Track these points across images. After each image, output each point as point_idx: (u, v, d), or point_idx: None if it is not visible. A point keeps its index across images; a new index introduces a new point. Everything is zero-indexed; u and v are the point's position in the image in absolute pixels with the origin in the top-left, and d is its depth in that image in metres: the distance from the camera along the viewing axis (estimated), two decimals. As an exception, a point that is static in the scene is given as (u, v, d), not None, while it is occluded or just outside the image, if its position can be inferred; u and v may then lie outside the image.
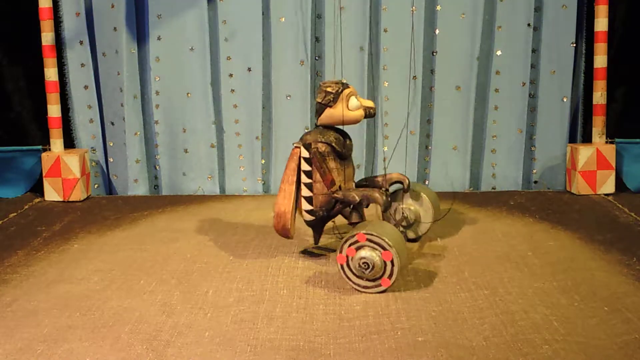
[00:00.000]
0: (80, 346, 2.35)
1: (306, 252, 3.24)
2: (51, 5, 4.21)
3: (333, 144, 2.97)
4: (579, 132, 4.49)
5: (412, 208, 3.32)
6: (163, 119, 4.54)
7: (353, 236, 2.72)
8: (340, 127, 3.10)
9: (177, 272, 3.04)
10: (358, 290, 2.76)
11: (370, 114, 3.03)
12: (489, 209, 3.99)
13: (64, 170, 4.31)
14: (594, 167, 4.20)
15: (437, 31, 4.38)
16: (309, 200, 3.01)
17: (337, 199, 2.99)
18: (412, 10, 4.32)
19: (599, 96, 4.22)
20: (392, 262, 2.68)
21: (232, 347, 2.32)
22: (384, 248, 2.68)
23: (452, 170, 4.53)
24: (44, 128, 4.39)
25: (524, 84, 4.41)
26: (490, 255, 3.17)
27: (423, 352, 2.25)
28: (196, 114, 4.51)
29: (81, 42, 4.48)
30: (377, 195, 2.94)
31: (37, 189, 4.46)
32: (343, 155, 3.02)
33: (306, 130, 3.08)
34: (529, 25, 4.33)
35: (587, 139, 4.39)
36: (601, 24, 4.13)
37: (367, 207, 3.07)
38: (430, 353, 2.24)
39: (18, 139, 4.50)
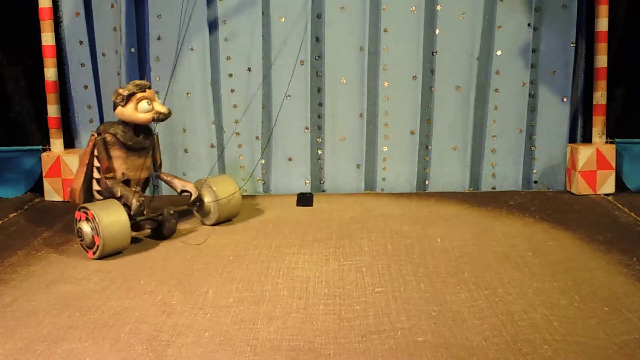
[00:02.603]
0: (80, 346, 2.35)
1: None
2: (51, 5, 4.22)
3: (117, 136, 3.39)
4: (579, 132, 4.49)
5: (205, 202, 3.73)
6: (163, 119, 4.54)
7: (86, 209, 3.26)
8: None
9: (177, 272, 3.04)
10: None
11: (158, 119, 3.45)
12: (489, 209, 3.99)
13: (64, 170, 4.31)
14: (594, 167, 4.21)
15: (437, 31, 4.38)
16: (97, 181, 3.46)
17: (106, 186, 3.43)
18: (412, 10, 4.32)
19: (599, 96, 4.22)
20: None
21: (232, 347, 2.32)
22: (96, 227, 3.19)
23: (452, 170, 4.53)
24: (44, 128, 4.39)
25: (524, 84, 4.40)
26: (490, 256, 3.17)
27: (423, 352, 2.25)
28: (196, 114, 4.51)
29: (81, 42, 4.48)
30: (132, 200, 3.35)
31: (37, 189, 4.46)
32: (130, 147, 3.42)
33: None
34: (529, 25, 4.33)
35: (587, 139, 4.39)
36: (601, 24, 4.13)
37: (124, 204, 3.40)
38: (430, 353, 2.24)
39: (18, 139, 4.49)
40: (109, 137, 3.41)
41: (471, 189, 4.55)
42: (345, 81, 4.44)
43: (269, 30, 4.41)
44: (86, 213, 3.24)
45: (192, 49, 4.43)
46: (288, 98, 4.45)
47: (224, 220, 3.79)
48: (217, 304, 2.69)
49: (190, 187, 3.67)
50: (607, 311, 2.54)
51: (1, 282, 2.97)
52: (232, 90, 4.48)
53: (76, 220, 3.31)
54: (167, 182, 3.72)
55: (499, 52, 4.37)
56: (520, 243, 3.34)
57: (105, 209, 3.25)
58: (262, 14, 4.37)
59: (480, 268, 3.01)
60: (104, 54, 4.50)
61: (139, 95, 3.40)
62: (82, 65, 4.51)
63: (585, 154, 4.20)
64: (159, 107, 3.48)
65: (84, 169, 3.45)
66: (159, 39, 4.43)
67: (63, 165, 4.30)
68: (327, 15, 4.37)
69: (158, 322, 2.53)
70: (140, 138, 3.48)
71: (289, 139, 4.50)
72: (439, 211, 3.95)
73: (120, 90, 3.41)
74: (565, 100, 4.41)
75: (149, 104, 3.43)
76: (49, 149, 4.38)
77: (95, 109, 4.57)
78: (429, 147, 4.54)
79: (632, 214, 3.81)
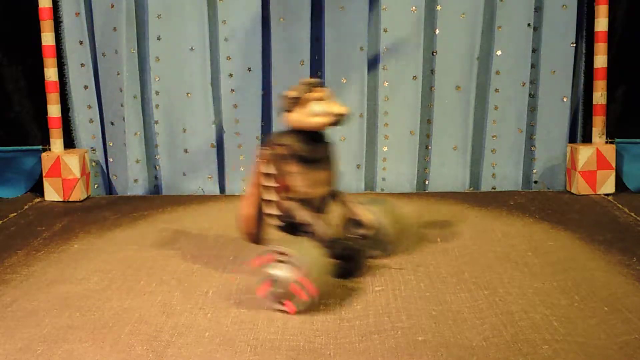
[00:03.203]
0: (80, 346, 2.35)
1: None
2: (51, 5, 4.21)
3: (292, 147, 2.79)
4: (579, 132, 4.49)
5: (370, 225, 3.09)
6: (163, 119, 4.54)
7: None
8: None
9: (177, 272, 3.04)
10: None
11: (334, 122, 2.77)
12: (489, 209, 3.99)
13: (64, 170, 4.31)
14: (594, 167, 4.21)
15: (437, 31, 4.38)
16: (272, 204, 2.86)
17: (287, 209, 2.83)
18: (412, 10, 4.32)
19: (599, 96, 4.22)
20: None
21: (232, 347, 2.32)
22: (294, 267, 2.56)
23: (452, 170, 4.53)
24: (44, 128, 4.39)
25: (524, 84, 4.41)
26: (490, 256, 3.17)
27: (423, 352, 2.25)
28: (196, 114, 4.51)
29: (81, 42, 4.48)
30: (321, 228, 2.78)
31: (37, 189, 4.46)
32: (308, 159, 2.81)
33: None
34: (529, 25, 4.33)
35: (587, 139, 4.39)
36: (601, 24, 4.13)
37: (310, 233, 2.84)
38: (430, 353, 2.24)
39: (18, 139, 4.50)
40: (282, 150, 2.80)
41: (471, 189, 4.55)
42: (345, 81, 4.44)
43: (269, 30, 4.41)
44: (280, 255, 2.59)
45: (192, 49, 4.43)
46: (288, 98, 4.45)
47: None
48: (217, 304, 2.68)
49: (367, 220, 3.03)
50: (607, 311, 2.54)
51: (1, 282, 2.97)
52: (232, 90, 4.48)
53: (265, 265, 2.64)
54: (344, 203, 3.02)
55: (499, 52, 4.37)
56: (520, 243, 3.34)
57: (304, 249, 2.63)
58: (262, 14, 4.37)
59: (480, 268, 3.01)
60: (104, 54, 4.50)
61: (309, 95, 2.77)
62: (82, 65, 4.51)
63: (585, 154, 4.20)
64: (336, 107, 2.78)
65: (257, 191, 2.87)
66: (159, 39, 4.43)
67: (63, 165, 4.31)
68: (327, 15, 4.37)
69: (158, 322, 2.53)
70: (317, 147, 2.86)
71: (289, 139, 4.50)
72: (439, 211, 3.95)
73: (289, 93, 2.79)
74: (565, 100, 4.41)
75: (322, 106, 2.76)
76: (49, 149, 4.38)
77: (96, 109, 4.57)
78: (429, 147, 4.54)
79: (632, 214, 3.81)
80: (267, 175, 2.85)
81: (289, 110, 2.80)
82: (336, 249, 2.81)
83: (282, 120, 2.87)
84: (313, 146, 2.84)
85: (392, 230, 3.13)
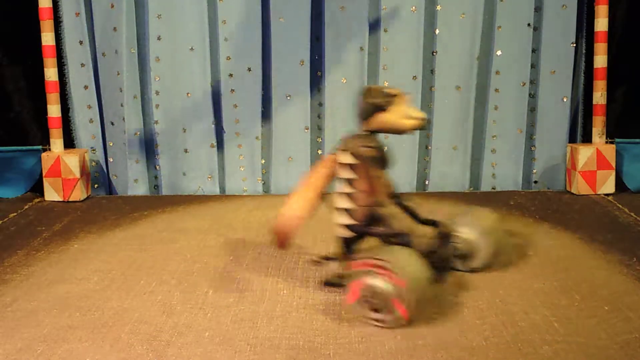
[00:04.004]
0: (80, 346, 2.35)
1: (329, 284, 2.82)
2: (51, 5, 4.21)
3: (377, 150, 2.62)
4: (579, 132, 4.49)
5: (466, 238, 2.91)
6: (163, 119, 4.54)
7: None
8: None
9: (177, 272, 3.04)
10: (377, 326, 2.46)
11: (422, 127, 2.66)
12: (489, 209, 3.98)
13: (64, 170, 4.31)
14: (594, 167, 4.21)
15: (437, 31, 4.38)
16: (349, 213, 2.62)
17: (377, 216, 2.60)
18: (412, 10, 4.32)
19: (599, 96, 4.22)
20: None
21: (232, 347, 2.32)
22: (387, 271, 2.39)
23: (452, 170, 4.53)
24: (44, 128, 4.39)
25: (524, 84, 4.41)
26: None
27: (423, 353, 2.25)
28: (196, 114, 4.51)
29: (81, 42, 4.48)
30: (408, 236, 2.58)
31: (37, 189, 4.46)
32: (386, 164, 2.68)
33: (348, 136, 2.69)
34: (529, 25, 4.33)
35: (587, 139, 4.39)
36: (601, 24, 4.13)
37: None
38: (430, 353, 2.24)
39: (18, 139, 4.50)
40: (372, 153, 2.59)
41: (471, 189, 4.55)
42: (345, 81, 4.44)
43: (269, 30, 4.41)
44: (384, 266, 2.39)
45: (192, 49, 4.43)
46: (288, 98, 4.45)
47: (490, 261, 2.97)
48: (217, 303, 2.68)
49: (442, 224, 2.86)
50: (607, 311, 2.54)
51: (1, 282, 2.97)
52: (232, 90, 4.48)
53: (355, 271, 2.46)
54: (406, 208, 2.83)
55: (499, 52, 4.37)
56: (520, 243, 3.34)
57: (407, 261, 2.45)
58: (262, 14, 4.37)
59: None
60: (104, 54, 4.50)
61: (404, 97, 2.62)
62: (82, 65, 4.51)
63: (585, 154, 4.20)
64: (417, 112, 2.64)
65: (315, 194, 2.62)
66: (159, 39, 4.43)
67: (63, 165, 4.31)
68: (327, 15, 4.38)
69: (158, 322, 2.53)
70: (386, 151, 2.70)
71: (289, 139, 4.50)
72: (439, 211, 3.94)
73: (387, 90, 2.61)
74: (565, 100, 4.41)
75: (414, 110, 2.64)
76: (49, 149, 4.38)
77: (96, 109, 4.57)
78: (429, 147, 4.54)
79: (632, 214, 3.81)
80: (346, 180, 2.61)
81: (382, 109, 2.58)
82: (433, 260, 2.63)
83: (368, 121, 2.63)
84: (384, 151, 2.68)
85: (486, 242, 2.90)
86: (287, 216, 2.59)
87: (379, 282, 2.40)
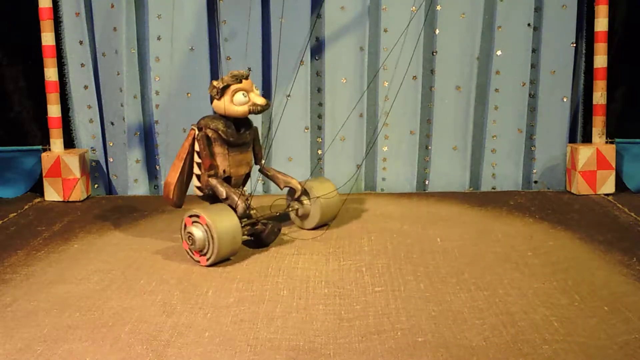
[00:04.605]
0: (80, 346, 2.35)
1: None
2: (51, 5, 4.22)
3: (219, 132, 3.21)
4: (579, 132, 4.49)
5: (304, 203, 3.58)
6: (163, 119, 4.54)
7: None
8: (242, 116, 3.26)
9: (177, 272, 3.04)
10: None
11: (255, 111, 3.23)
12: (489, 209, 3.99)
13: (64, 170, 4.31)
14: (594, 167, 4.21)
15: (437, 31, 4.38)
16: (198, 177, 3.29)
17: (209, 184, 3.24)
18: (412, 10, 4.32)
19: (599, 96, 4.22)
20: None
21: (232, 347, 2.32)
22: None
23: (452, 170, 4.53)
24: (44, 128, 4.40)
25: (524, 84, 4.41)
26: (490, 256, 3.17)
27: (423, 352, 2.25)
28: (196, 114, 4.49)
29: (81, 42, 4.48)
30: (238, 202, 3.18)
31: (37, 189, 4.46)
32: (231, 143, 3.25)
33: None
34: (529, 25, 4.33)
35: (587, 139, 4.40)
36: (601, 24, 4.13)
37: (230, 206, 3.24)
38: (430, 353, 2.24)
39: (18, 139, 4.50)
40: (210, 133, 3.22)
41: (471, 189, 4.55)
42: (345, 81, 4.44)
43: (269, 30, 4.41)
44: (198, 218, 3.09)
45: (192, 49, 4.43)
46: (288, 98, 4.45)
47: (323, 224, 3.66)
48: (217, 303, 2.69)
49: (294, 183, 3.53)
50: (607, 311, 2.54)
51: (1, 282, 2.97)
52: (232, 90, 4.47)
53: (185, 225, 3.15)
54: (270, 177, 3.57)
55: (499, 52, 4.37)
56: (520, 243, 3.34)
57: (219, 214, 3.10)
58: (262, 14, 4.37)
59: (480, 268, 3.01)
60: (104, 54, 4.50)
61: (233, 87, 3.20)
62: (82, 65, 4.51)
63: (585, 154, 4.20)
64: (256, 98, 3.25)
65: (181, 163, 3.30)
66: (159, 39, 4.43)
67: (63, 165, 4.31)
68: (327, 15, 4.38)
69: (158, 322, 2.53)
70: (242, 133, 3.30)
71: (289, 139, 4.50)
72: (439, 211, 3.95)
73: (215, 83, 3.22)
74: (565, 100, 4.41)
75: (245, 96, 3.21)
76: (49, 149, 4.38)
77: (96, 109, 4.57)
78: (429, 147, 4.54)
79: (632, 214, 3.81)
80: (197, 152, 3.25)
81: (216, 99, 3.23)
82: (248, 225, 3.29)
83: (211, 107, 3.28)
84: (238, 131, 3.27)
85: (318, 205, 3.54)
86: (164, 184, 3.38)
87: (196, 231, 3.08)
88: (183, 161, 3.30)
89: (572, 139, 4.48)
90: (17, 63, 4.44)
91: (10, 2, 4.36)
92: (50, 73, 4.26)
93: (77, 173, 4.31)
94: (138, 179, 4.57)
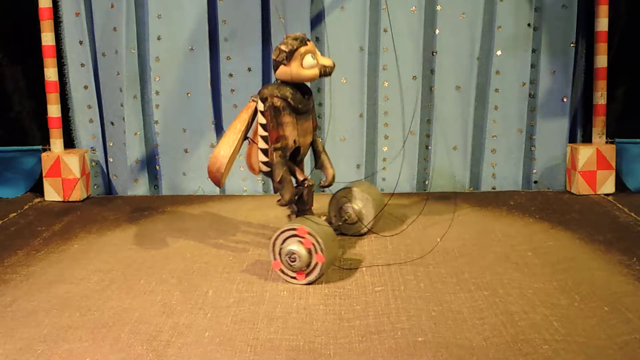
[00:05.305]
0: (80, 346, 2.35)
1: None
2: (51, 5, 4.22)
3: (288, 99, 2.99)
4: (579, 132, 4.49)
5: (355, 207, 3.45)
6: (163, 119, 4.54)
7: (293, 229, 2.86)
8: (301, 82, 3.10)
9: (177, 272, 3.05)
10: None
11: (325, 73, 3.04)
12: (489, 209, 3.99)
13: (64, 170, 4.31)
14: (594, 167, 4.21)
15: (437, 31, 4.38)
16: (265, 152, 3.07)
17: (274, 160, 3.04)
18: (412, 10, 4.32)
19: (599, 96, 4.22)
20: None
21: (232, 347, 2.32)
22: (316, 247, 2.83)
23: (452, 170, 4.53)
24: (44, 128, 4.39)
25: (524, 84, 4.40)
26: (490, 256, 3.17)
27: (423, 352, 2.25)
28: (196, 114, 4.51)
29: (81, 42, 4.48)
30: (286, 194, 3.02)
31: (37, 189, 4.46)
32: (299, 110, 3.04)
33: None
34: (529, 25, 4.33)
35: (587, 139, 4.39)
36: (601, 24, 4.13)
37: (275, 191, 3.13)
38: (430, 353, 2.24)
39: (18, 139, 4.50)
40: (279, 102, 2.98)
41: (471, 189, 4.55)
42: (345, 81, 4.44)
43: (269, 30, 4.41)
44: (294, 230, 2.84)
45: (192, 49, 4.43)
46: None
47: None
48: (217, 304, 2.69)
49: (329, 172, 3.29)
50: (607, 311, 2.54)
51: (1, 282, 2.97)
52: (232, 90, 4.48)
53: (274, 243, 2.90)
54: (315, 151, 3.29)
55: (499, 52, 4.37)
56: (520, 243, 3.34)
57: (315, 221, 2.93)
58: (262, 13, 4.37)
59: (480, 268, 3.01)
60: (104, 54, 4.50)
61: (302, 49, 2.97)
62: (82, 65, 4.51)
63: (585, 154, 4.20)
64: (324, 60, 3.04)
65: (238, 136, 3.07)
66: (159, 39, 4.43)
67: (63, 165, 4.31)
68: (327, 15, 4.37)
69: (158, 322, 2.53)
70: (306, 99, 3.09)
71: (288, 139, 4.49)
72: (439, 211, 3.95)
73: (283, 47, 2.98)
74: (565, 100, 4.41)
75: (314, 58, 2.99)
76: (49, 149, 4.38)
77: (96, 109, 4.57)
78: (429, 147, 4.54)
79: (632, 214, 3.81)
80: (262, 125, 3.04)
81: (284, 64, 2.98)
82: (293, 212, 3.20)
83: (275, 75, 3.06)
84: (303, 97, 3.06)
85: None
86: (215, 156, 3.08)
87: (296, 247, 2.83)
88: (240, 134, 3.08)
89: (572, 139, 4.48)
90: (17, 63, 4.44)
91: (10, 2, 4.36)
92: (50, 73, 4.26)
93: (77, 173, 4.31)
94: (138, 179, 4.57)
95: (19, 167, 4.48)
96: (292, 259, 2.84)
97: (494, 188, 4.54)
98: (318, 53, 3.05)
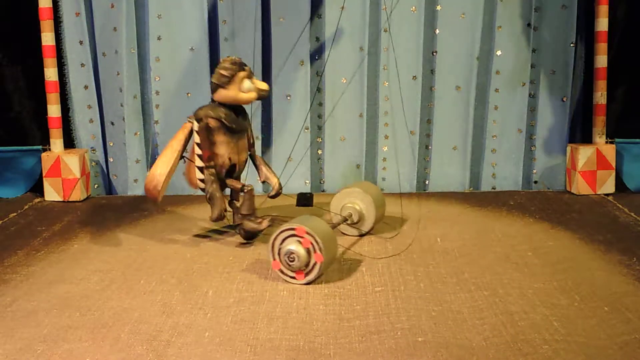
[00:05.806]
0: (80, 346, 2.35)
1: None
2: (51, 5, 4.21)
3: (222, 119, 3.21)
4: (579, 132, 4.49)
5: (356, 207, 3.45)
6: (163, 119, 4.54)
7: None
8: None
9: (177, 272, 3.04)
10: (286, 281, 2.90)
11: (262, 97, 3.30)
12: (489, 209, 3.99)
13: (64, 170, 4.31)
14: (594, 167, 4.21)
15: (437, 31, 4.38)
16: (201, 169, 3.29)
17: (205, 178, 3.27)
18: (412, 10, 4.32)
19: (599, 96, 4.22)
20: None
21: (232, 347, 2.32)
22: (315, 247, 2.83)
23: (452, 170, 4.53)
24: (44, 128, 4.39)
25: (524, 84, 4.41)
26: (490, 256, 3.17)
27: (423, 352, 2.25)
28: (196, 114, 4.50)
29: (81, 42, 4.48)
30: (215, 210, 3.26)
31: (37, 189, 4.45)
32: (233, 129, 3.25)
33: (202, 106, 3.37)
34: (529, 25, 4.33)
35: (587, 139, 4.39)
36: (601, 24, 4.13)
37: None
38: (430, 353, 2.24)
39: (18, 139, 4.49)
40: (212, 123, 3.21)
41: (471, 189, 4.55)
42: (345, 81, 4.44)
43: (269, 30, 4.41)
44: (293, 230, 2.84)
45: (192, 49, 4.43)
46: (288, 98, 4.45)
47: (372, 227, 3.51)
48: (217, 304, 2.69)
49: (273, 181, 3.46)
50: (607, 311, 2.54)
51: (1, 282, 2.97)
52: (232, 90, 4.47)
53: (273, 243, 2.89)
54: (255, 166, 3.50)
55: (499, 52, 4.37)
56: (520, 243, 3.34)
57: (313, 220, 2.92)
58: (262, 14, 4.37)
59: (480, 268, 3.01)
60: (104, 54, 4.50)
61: (241, 74, 3.20)
62: (82, 65, 4.51)
63: (585, 154, 4.20)
64: (259, 83, 3.30)
65: (174, 155, 3.27)
66: (159, 39, 4.43)
67: (63, 165, 4.31)
68: (327, 15, 4.37)
69: (158, 322, 2.53)
70: (240, 119, 3.31)
71: (289, 139, 4.49)
72: (439, 211, 3.95)
73: (222, 72, 3.19)
74: (565, 100, 4.41)
75: (252, 82, 3.24)
76: (49, 149, 4.38)
77: (96, 109, 4.57)
78: (429, 147, 4.54)
79: (632, 214, 3.81)
80: (197, 144, 3.25)
81: (222, 87, 3.20)
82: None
83: (213, 97, 3.27)
84: (237, 117, 3.28)
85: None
86: (152, 174, 3.27)
87: (295, 246, 2.82)
88: (176, 153, 3.28)
89: (572, 139, 4.48)
90: (17, 63, 4.44)
91: (10, 2, 4.36)
92: (50, 73, 4.26)
93: (77, 173, 4.31)
94: (138, 179, 4.57)
95: (19, 167, 4.48)
96: (291, 259, 2.84)
97: (494, 188, 4.54)
98: (254, 77, 3.29)
